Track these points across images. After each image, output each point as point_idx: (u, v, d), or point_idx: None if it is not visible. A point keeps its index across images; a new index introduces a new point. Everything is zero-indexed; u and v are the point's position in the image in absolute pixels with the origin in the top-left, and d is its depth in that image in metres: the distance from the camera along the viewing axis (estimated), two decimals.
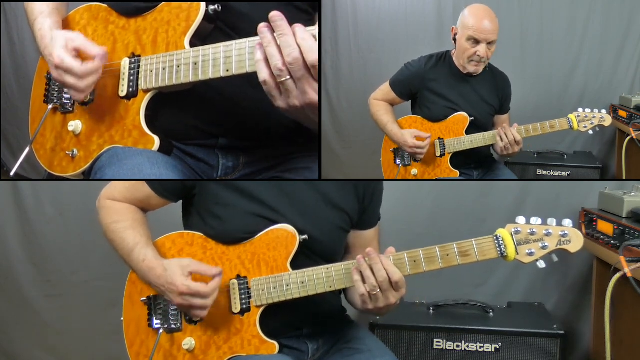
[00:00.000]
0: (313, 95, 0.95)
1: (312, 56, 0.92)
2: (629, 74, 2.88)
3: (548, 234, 1.14)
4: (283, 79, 0.94)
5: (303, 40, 0.92)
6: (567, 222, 1.15)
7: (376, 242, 1.35)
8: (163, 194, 1.23)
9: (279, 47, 0.93)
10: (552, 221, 1.16)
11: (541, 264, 1.15)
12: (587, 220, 1.93)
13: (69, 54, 1.11)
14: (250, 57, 1.00)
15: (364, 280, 1.10)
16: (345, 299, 1.35)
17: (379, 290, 1.09)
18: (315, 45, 0.93)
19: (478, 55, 1.86)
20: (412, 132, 1.95)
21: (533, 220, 1.16)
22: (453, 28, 1.91)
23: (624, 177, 2.45)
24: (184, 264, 1.14)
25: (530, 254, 1.14)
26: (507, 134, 1.82)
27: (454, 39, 1.92)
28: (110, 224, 1.23)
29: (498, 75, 2.03)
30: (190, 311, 1.14)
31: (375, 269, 1.09)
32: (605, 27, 2.87)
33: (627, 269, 1.46)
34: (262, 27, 0.94)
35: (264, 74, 0.95)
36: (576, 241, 1.15)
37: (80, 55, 1.12)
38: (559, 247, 1.15)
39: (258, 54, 0.95)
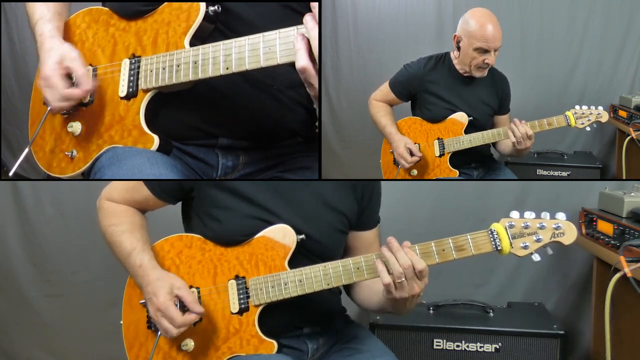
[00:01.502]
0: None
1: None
2: (629, 74, 2.87)
3: (542, 227, 1.15)
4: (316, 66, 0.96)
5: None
6: (560, 215, 1.16)
7: (377, 245, 1.34)
8: (161, 195, 1.23)
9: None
10: (545, 215, 1.17)
11: (536, 257, 1.16)
12: (587, 220, 1.92)
13: (59, 72, 1.12)
14: (250, 55, 1.01)
15: (388, 271, 1.10)
16: (355, 299, 1.34)
17: (404, 278, 1.09)
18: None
19: (487, 63, 1.87)
20: (408, 142, 1.94)
21: (527, 214, 1.17)
22: (455, 36, 1.89)
23: (624, 177, 2.45)
24: (176, 285, 1.13)
25: (525, 247, 1.15)
26: (519, 128, 1.81)
27: (458, 47, 1.90)
28: (108, 226, 1.23)
29: (497, 75, 2.03)
30: (159, 327, 1.14)
31: (398, 256, 1.09)
32: (605, 27, 2.86)
33: (627, 269, 1.46)
34: (307, 16, 0.97)
35: (303, 61, 0.96)
36: (569, 233, 1.15)
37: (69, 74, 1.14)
38: (552, 239, 1.15)
39: (300, 43, 0.97)
